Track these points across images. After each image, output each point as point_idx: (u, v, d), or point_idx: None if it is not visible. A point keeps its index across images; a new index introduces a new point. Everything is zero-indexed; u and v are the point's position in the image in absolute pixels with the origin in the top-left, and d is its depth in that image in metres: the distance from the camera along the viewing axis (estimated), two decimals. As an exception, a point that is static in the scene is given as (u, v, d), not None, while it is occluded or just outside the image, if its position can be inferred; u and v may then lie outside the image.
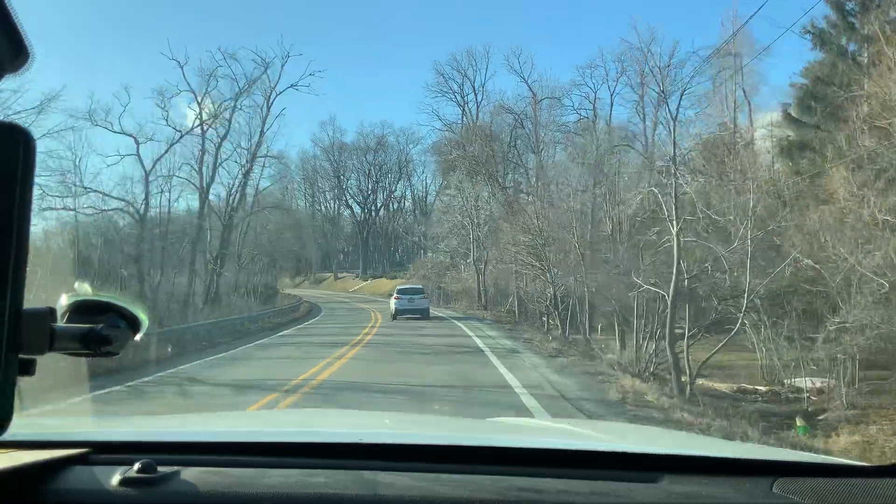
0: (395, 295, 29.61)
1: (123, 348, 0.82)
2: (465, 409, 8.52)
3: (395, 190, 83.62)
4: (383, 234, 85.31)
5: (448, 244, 47.90)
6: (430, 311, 30.33)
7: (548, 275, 25.58)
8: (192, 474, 1.29)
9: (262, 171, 36.50)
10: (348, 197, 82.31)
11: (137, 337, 0.85)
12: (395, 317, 27.96)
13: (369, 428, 2.09)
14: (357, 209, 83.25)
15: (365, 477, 1.30)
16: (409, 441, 1.61)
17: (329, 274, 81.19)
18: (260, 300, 37.84)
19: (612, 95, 43.70)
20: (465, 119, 46.37)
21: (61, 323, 0.77)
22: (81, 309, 0.80)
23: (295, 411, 6.01)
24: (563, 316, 25.42)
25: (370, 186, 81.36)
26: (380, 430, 2.01)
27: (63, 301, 0.81)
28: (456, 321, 28.72)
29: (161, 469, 1.27)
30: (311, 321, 31.89)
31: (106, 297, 0.83)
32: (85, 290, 0.83)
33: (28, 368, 0.68)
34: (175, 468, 1.29)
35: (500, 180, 40.90)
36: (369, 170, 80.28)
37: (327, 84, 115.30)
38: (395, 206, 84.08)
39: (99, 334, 0.78)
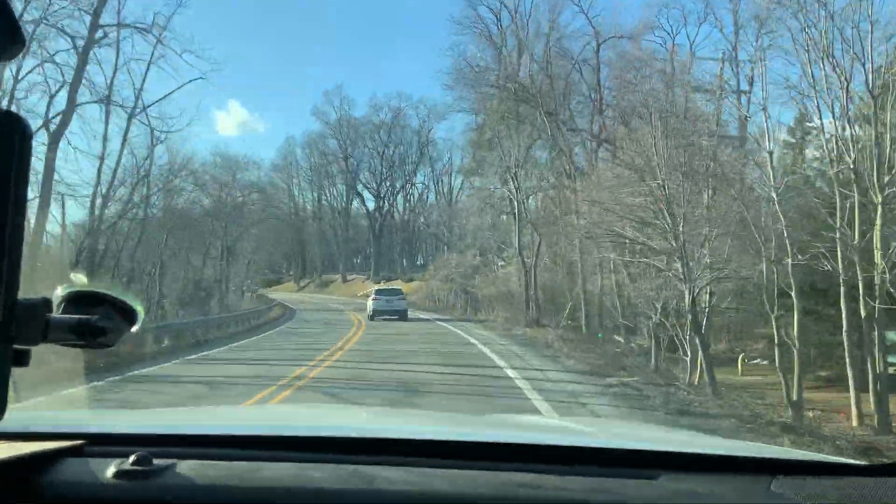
0: (373, 296, 29.51)
1: (119, 340, 0.82)
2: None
3: (415, 177, 70.90)
4: (400, 229, 72.86)
5: (477, 238, 35.57)
6: (455, 330, 24.54)
7: (680, 263, 13.11)
8: (187, 467, 1.28)
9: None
10: (359, 184, 69.70)
11: (133, 329, 0.84)
12: (372, 317, 27.67)
13: (367, 422, 2.18)
14: (369, 200, 70.77)
15: (363, 471, 1.30)
16: (407, 436, 1.59)
17: (337, 276, 69.24)
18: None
19: (691, 45, 30.70)
20: (501, 67, 33.96)
21: (56, 314, 0.77)
22: (76, 300, 0.80)
23: (291, 406, 5.95)
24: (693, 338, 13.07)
25: (384, 171, 68.67)
26: (378, 425, 2.08)
27: (58, 292, 0.80)
28: (500, 356, 15.86)
29: (157, 462, 1.26)
30: (248, 340, 20.70)
31: (101, 288, 0.83)
32: (81, 280, 0.84)
33: (22, 359, 0.68)
34: (171, 461, 1.28)
35: (560, 125, 28.07)
36: (383, 151, 67.73)
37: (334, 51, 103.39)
38: (415, 198, 71.57)
39: (94, 325, 0.78)
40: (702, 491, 1.25)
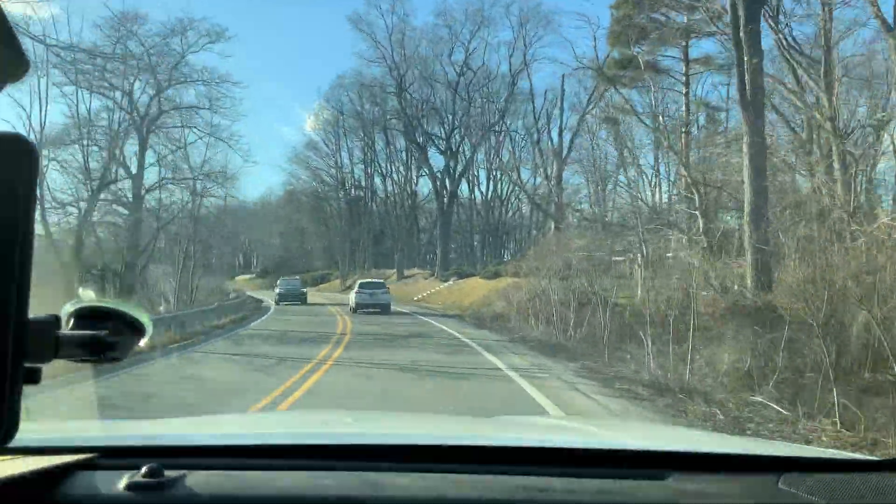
0: (356, 289, 29.52)
1: (128, 354, 0.83)
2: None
3: (503, 121, 47.44)
4: (481, 212, 53.46)
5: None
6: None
7: None
8: (199, 478, 1.30)
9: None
10: (420, 136, 49.18)
11: (142, 342, 0.86)
12: (355, 311, 27.73)
13: (376, 428, 2.16)
14: (436, 161, 49.91)
15: (372, 478, 1.31)
16: (416, 441, 1.60)
17: (391, 272, 50.86)
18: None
19: None
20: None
21: (66, 330, 0.79)
22: (85, 315, 0.81)
23: (299, 412, 5.93)
24: None
25: (458, 117, 47.80)
26: (386, 431, 2.06)
27: (67, 308, 0.82)
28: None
29: (168, 473, 1.27)
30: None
31: (109, 303, 0.84)
32: (88, 296, 0.85)
33: (34, 377, 0.70)
34: (182, 472, 1.29)
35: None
36: (456, 84, 46.61)
37: None
38: (498, 164, 50.63)
39: (104, 340, 0.79)
40: (710, 490, 1.27)
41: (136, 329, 0.84)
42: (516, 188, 47.96)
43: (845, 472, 1.38)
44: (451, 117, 47.26)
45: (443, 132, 48.42)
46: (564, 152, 38.61)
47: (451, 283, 40.07)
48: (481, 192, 55.53)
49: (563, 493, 1.25)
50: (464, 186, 50.52)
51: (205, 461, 1.37)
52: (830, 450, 1.93)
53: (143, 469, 1.25)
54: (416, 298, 39.68)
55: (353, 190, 61.38)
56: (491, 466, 1.35)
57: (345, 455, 1.43)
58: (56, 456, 1.32)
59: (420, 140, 48.73)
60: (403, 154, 54.52)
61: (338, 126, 56.73)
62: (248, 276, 74.68)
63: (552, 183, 36.79)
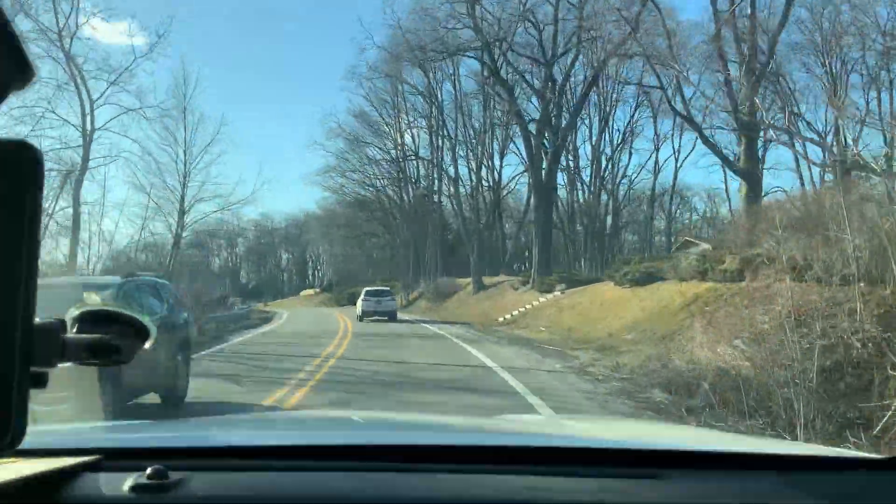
0: (362, 296, 29.79)
1: (132, 357, 0.84)
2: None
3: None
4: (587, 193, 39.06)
5: None
6: None
7: None
8: (204, 480, 1.30)
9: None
10: (505, 69, 34.04)
11: (147, 345, 0.87)
12: (361, 318, 28.07)
13: (379, 429, 2.15)
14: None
15: (376, 478, 1.32)
16: (419, 441, 1.61)
17: (466, 280, 37.01)
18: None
19: None
20: None
21: (71, 334, 0.80)
22: (90, 319, 0.82)
23: (305, 412, 6.01)
24: None
25: (565, 35, 32.39)
26: (390, 432, 2.06)
27: (72, 312, 0.83)
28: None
29: (172, 475, 1.27)
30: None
31: (113, 306, 0.86)
32: (93, 300, 0.85)
33: (40, 381, 0.70)
34: (186, 474, 1.29)
35: None
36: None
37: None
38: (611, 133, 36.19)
39: (109, 344, 0.81)
40: (710, 489, 1.27)
41: (141, 332, 0.85)
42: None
43: (847, 471, 1.39)
44: (553, 33, 32.01)
45: (540, 70, 33.49)
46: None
47: (556, 294, 25.86)
48: (582, 183, 40.95)
49: (563, 493, 1.27)
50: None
51: (209, 463, 1.39)
52: (831, 448, 1.93)
53: (148, 471, 1.25)
54: (501, 320, 25.72)
55: (415, 181, 48.31)
56: (492, 466, 1.36)
57: (349, 456, 1.45)
58: (61, 458, 1.34)
59: (507, 74, 34.23)
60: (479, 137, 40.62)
61: (396, 95, 43.72)
62: (311, 291, 70.93)
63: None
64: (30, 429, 0.67)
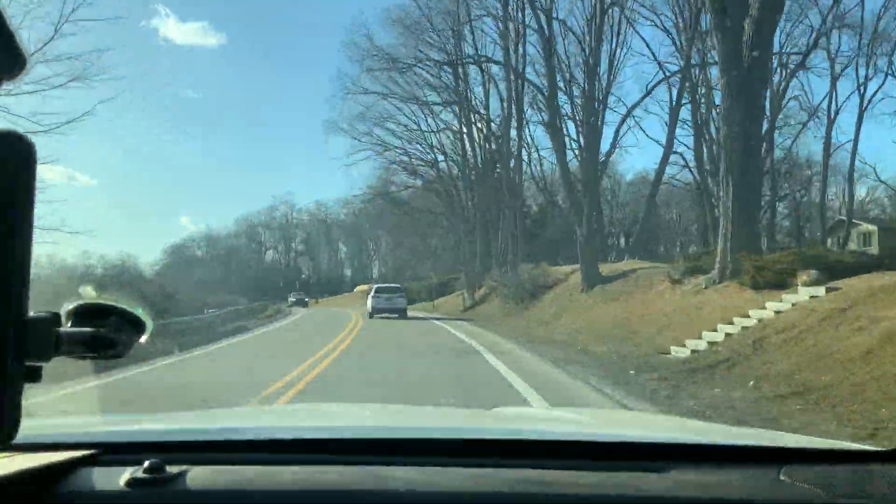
0: (372, 293, 30.77)
1: (129, 350, 0.84)
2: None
3: None
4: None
5: None
6: None
7: None
8: (201, 473, 1.30)
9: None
10: None
11: (143, 339, 0.86)
12: (371, 315, 28.64)
13: (378, 421, 2.18)
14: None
15: (375, 471, 1.32)
16: (418, 435, 1.65)
17: (562, 270, 25.60)
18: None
19: None
20: None
21: (66, 327, 0.79)
22: (85, 313, 0.81)
23: (301, 406, 5.84)
24: None
25: None
26: (389, 424, 2.08)
27: (67, 305, 0.82)
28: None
29: (169, 468, 1.28)
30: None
31: (110, 300, 0.84)
32: (89, 293, 0.85)
33: (34, 375, 0.70)
34: (184, 467, 1.30)
35: None
36: None
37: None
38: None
39: (104, 337, 0.79)
40: (711, 482, 1.27)
41: (137, 326, 0.84)
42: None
43: (848, 464, 1.38)
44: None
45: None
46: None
47: (808, 296, 12.41)
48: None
49: (566, 486, 1.26)
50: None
51: (207, 456, 1.38)
52: (834, 440, 1.85)
53: (145, 464, 1.25)
54: (687, 353, 12.24)
55: (487, 144, 36.75)
56: (492, 459, 1.36)
57: (347, 449, 1.45)
58: (57, 452, 1.33)
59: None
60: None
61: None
62: (365, 287, 65.14)
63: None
64: (25, 422, 0.66)
